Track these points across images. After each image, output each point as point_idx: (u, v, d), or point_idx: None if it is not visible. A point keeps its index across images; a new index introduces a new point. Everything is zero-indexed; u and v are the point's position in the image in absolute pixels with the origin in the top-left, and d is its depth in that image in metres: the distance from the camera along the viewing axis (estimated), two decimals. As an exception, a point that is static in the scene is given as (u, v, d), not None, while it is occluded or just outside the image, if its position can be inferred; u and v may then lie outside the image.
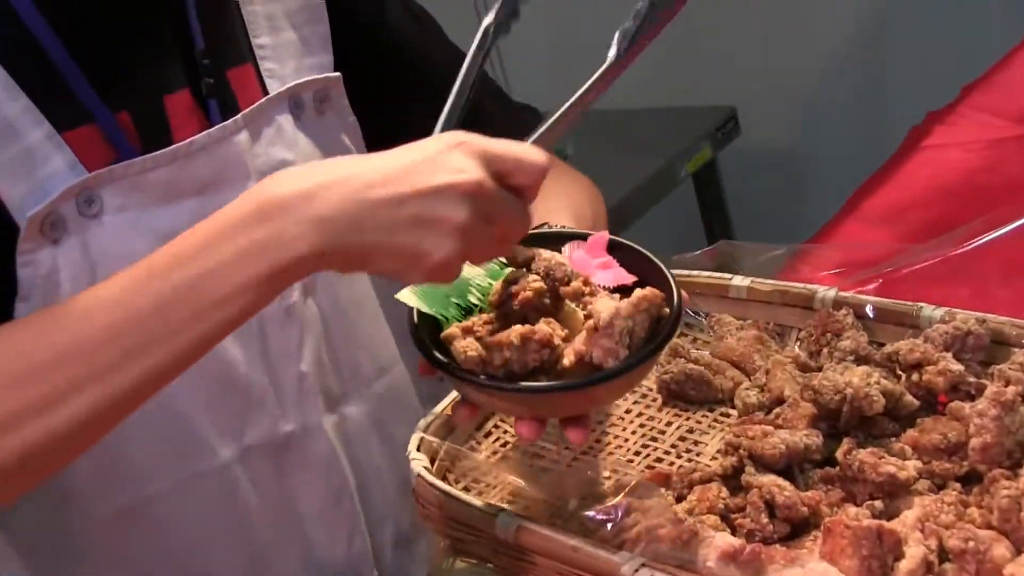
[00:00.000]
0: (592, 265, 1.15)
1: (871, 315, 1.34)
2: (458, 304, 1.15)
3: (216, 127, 1.22)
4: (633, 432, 1.34)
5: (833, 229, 1.78)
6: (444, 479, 1.23)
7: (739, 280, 1.42)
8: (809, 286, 1.38)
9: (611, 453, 1.32)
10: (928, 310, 1.31)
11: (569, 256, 1.15)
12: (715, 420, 1.34)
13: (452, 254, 0.99)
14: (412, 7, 1.45)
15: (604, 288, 1.14)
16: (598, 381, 1.07)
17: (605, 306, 1.07)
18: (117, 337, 0.99)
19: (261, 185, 1.01)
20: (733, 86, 3.12)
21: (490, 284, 1.14)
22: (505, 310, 1.12)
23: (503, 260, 1.15)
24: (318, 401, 1.35)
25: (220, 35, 1.27)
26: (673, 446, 1.32)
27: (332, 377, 1.36)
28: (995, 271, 1.41)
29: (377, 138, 1.30)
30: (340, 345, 1.37)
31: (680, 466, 1.27)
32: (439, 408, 1.30)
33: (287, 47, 1.31)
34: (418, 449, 1.25)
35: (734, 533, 1.15)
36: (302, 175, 1.00)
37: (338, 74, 1.33)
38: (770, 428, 1.22)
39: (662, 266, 1.16)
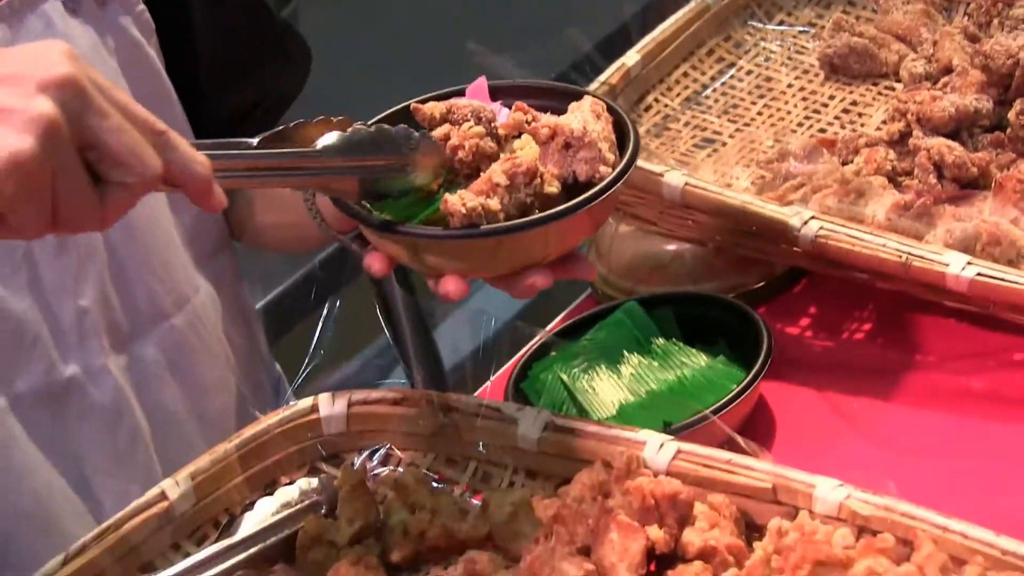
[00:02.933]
0: None
1: (1045, -14, 1.31)
2: None
3: None
4: (795, 105, 1.34)
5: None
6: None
7: (907, -47, 1.39)
8: (981, -43, 1.35)
9: (773, 125, 1.32)
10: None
11: None
12: (879, 93, 1.33)
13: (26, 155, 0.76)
14: None
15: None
16: (611, 186, 0.94)
17: (569, 120, 0.96)
18: None
19: None
20: None
21: None
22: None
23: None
24: (103, 340, 1.16)
25: None
26: (836, 117, 1.32)
27: (120, 312, 1.18)
28: None
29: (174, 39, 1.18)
30: (132, 275, 1.18)
31: (844, 135, 1.27)
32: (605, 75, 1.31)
33: None
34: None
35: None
36: None
37: None
38: (938, 93, 1.21)
39: (560, 85, 1.05)
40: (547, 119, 0.98)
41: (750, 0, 1.43)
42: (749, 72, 1.39)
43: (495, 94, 1.03)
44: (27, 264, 1.11)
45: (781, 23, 1.43)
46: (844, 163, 1.21)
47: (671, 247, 1.25)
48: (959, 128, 1.19)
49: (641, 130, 1.33)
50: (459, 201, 0.92)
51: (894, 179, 1.17)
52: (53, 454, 1.16)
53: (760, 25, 1.43)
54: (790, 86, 1.36)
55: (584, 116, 0.97)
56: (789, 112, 1.33)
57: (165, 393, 1.22)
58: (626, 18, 1.40)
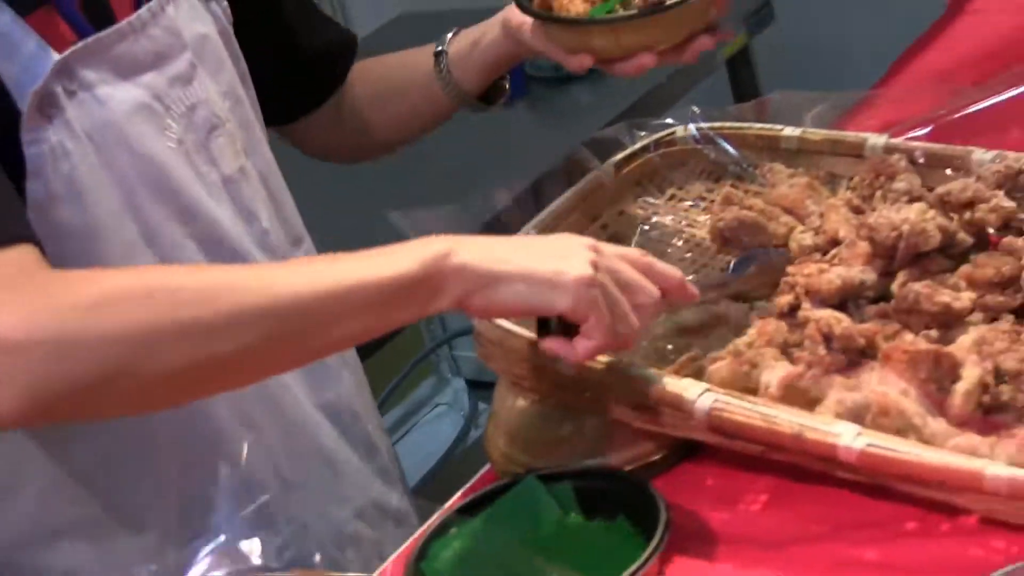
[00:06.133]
0: None
1: (922, 161, 1.36)
2: None
3: (153, 2, 1.28)
4: (688, 278, 1.37)
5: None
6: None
7: (790, 131, 1.44)
8: (860, 134, 1.40)
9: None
10: (979, 153, 1.33)
11: None
12: (769, 265, 1.36)
13: None
14: None
15: None
16: None
17: None
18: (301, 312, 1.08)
19: (436, 257, 1.09)
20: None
21: None
22: None
23: None
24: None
25: None
26: (728, 290, 1.35)
27: (281, 236, 1.39)
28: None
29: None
30: (279, 205, 1.41)
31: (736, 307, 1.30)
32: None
33: None
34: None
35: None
36: (469, 261, 1.09)
37: None
38: (825, 265, 1.24)
39: None
40: None
41: (642, 175, 1.47)
42: (642, 245, 1.42)
43: None
44: (227, 193, 1.34)
45: (672, 197, 1.47)
46: (737, 335, 1.23)
47: (570, 420, 1.26)
48: (846, 299, 1.22)
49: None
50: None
51: (786, 351, 1.20)
52: None
53: (652, 200, 1.46)
54: (682, 259, 1.40)
55: None
56: (682, 284, 1.36)
57: None
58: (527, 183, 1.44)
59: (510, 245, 1.15)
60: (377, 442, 1.48)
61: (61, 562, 1.27)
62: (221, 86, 1.34)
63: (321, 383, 1.40)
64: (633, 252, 1.18)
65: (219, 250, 1.30)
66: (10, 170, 1.15)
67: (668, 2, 1.31)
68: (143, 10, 1.27)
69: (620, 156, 1.46)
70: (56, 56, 1.19)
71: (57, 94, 1.19)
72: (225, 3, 1.39)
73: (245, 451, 1.32)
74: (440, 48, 1.49)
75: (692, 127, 1.47)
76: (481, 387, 3.25)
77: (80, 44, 1.21)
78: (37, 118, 1.18)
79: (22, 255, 1.07)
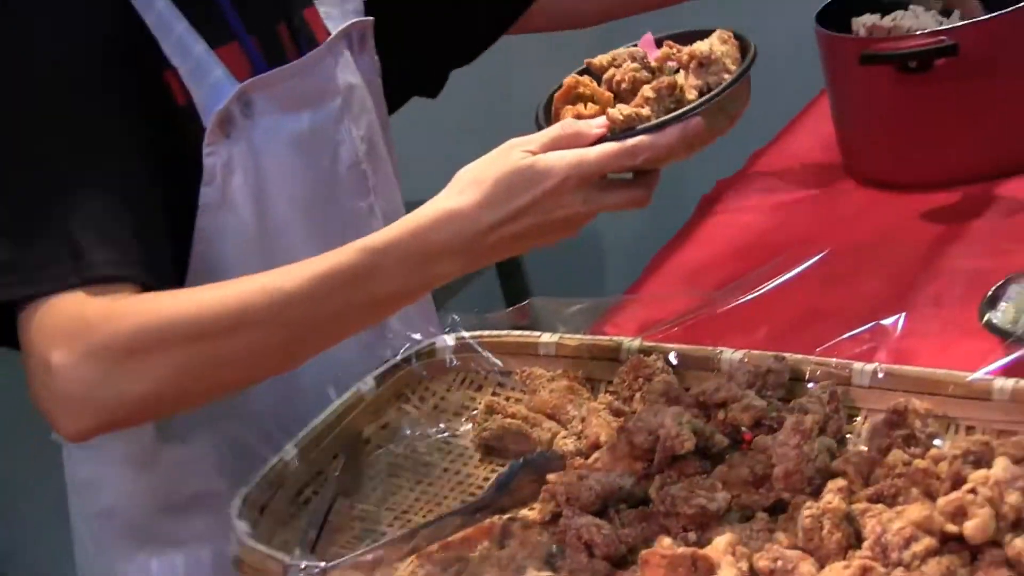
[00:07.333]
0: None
1: (675, 362, 1.39)
2: None
3: (317, 49, 1.50)
4: (451, 489, 1.36)
5: (636, 290, 1.83)
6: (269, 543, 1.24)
7: (548, 337, 1.46)
8: (615, 338, 1.43)
9: (431, 511, 1.34)
10: (728, 353, 1.37)
11: None
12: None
13: None
14: None
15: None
16: (736, 80, 1.27)
17: (703, 44, 1.31)
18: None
19: (428, 233, 1.23)
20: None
21: None
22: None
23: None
24: None
25: None
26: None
27: None
28: (787, 315, 1.48)
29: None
30: None
31: (500, 517, 1.29)
32: (259, 476, 1.31)
33: None
34: (239, 516, 1.26)
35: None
36: (451, 227, 1.23)
37: (371, 18, 1.59)
38: (585, 472, 1.25)
39: (702, 29, 1.35)
40: (686, 49, 1.31)
41: (404, 387, 1.47)
42: (407, 458, 1.41)
43: (660, 43, 1.35)
44: None
45: (435, 407, 1.47)
46: (501, 547, 1.22)
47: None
48: (607, 505, 1.23)
49: (301, 524, 1.32)
50: (618, 112, 1.25)
51: (550, 560, 1.20)
52: None
53: (415, 412, 1.46)
54: (446, 470, 1.39)
55: (712, 42, 1.31)
56: (446, 496, 1.35)
57: None
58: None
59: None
60: None
61: (190, 530, 1.49)
62: (361, 130, 1.54)
63: None
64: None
65: None
66: (188, 177, 1.38)
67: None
68: (307, 56, 1.48)
69: (381, 368, 1.45)
70: (238, 84, 1.40)
71: (235, 115, 1.40)
72: (375, 55, 1.60)
73: None
74: None
75: (452, 337, 1.48)
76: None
77: (258, 77, 1.42)
78: (217, 134, 1.39)
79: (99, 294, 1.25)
